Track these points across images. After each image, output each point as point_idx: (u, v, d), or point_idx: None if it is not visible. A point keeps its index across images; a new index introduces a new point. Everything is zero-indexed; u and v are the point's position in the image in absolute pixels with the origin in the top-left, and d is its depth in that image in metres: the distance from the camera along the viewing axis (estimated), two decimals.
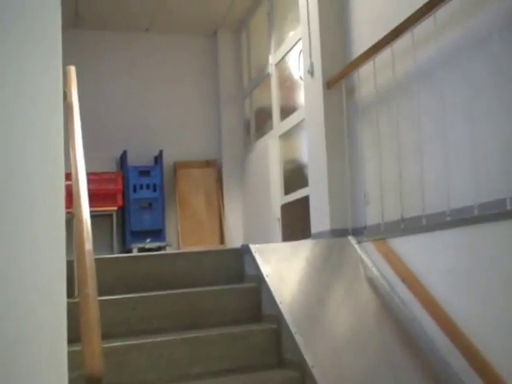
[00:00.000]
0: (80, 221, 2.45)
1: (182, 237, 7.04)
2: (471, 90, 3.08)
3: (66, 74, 3.42)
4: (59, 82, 1.89)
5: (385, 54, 3.77)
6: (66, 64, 2.20)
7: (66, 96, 3.29)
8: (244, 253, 4.00)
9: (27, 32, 1.83)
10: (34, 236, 1.69)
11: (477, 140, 3.06)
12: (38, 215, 1.70)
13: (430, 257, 3.32)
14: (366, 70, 4.02)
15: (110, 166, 7.05)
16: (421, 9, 3.33)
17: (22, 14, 1.82)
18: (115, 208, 6.66)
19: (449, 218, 3.18)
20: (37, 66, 1.83)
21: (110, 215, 6.68)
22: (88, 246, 2.33)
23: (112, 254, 6.40)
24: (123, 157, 7.02)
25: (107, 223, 6.66)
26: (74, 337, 1.85)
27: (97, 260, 2.32)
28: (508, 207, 2.79)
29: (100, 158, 6.85)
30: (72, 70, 3.48)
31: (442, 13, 3.24)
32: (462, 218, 3.08)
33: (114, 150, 7.06)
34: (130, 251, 6.50)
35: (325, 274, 3.77)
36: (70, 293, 1.97)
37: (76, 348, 1.89)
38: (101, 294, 2.25)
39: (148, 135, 7.29)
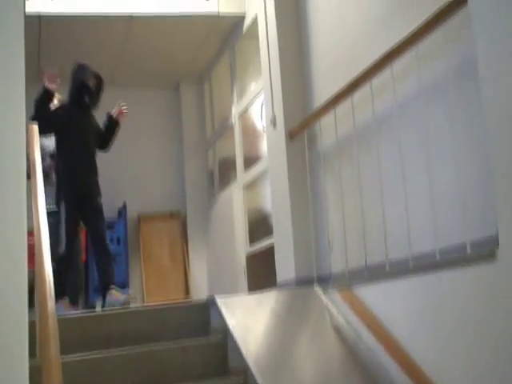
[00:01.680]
0: (42, 280, 2.41)
1: (147, 289, 6.96)
2: (428, 138, 3.16)
3: (27, 131, 3.42)
4: (22, 140, 1.89)
5: (345, 104, 3.85)
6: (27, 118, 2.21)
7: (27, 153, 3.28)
8: (210, 305, 3.96)
9: None
10: None
11: (435, 187, 3.13)
12: None
13: (394, 303, 3.34)
14: (327, 119, 4.10)
15: None
16: (378, 61, 3.43)
17: None
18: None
19: (411, 265, 3.21)
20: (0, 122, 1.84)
21: None
22: (51, 304, 2.29)
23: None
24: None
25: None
26: None
27: (59, 319, 2.28)
28: (468, 252, 2.83)
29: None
30: (34, 127, 3.49)
31: (398, 64, 3.34)
32: (424, 264, 3.12)
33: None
34: (93, 307, 6.37)
35: (291, 324, 3.75)
36: (32, 353, 1.92)
37: None
38: (63, 353, 2.20)
39: (111, 187, 7.23)
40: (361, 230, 3.71)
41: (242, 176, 6.23)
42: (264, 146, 5.44)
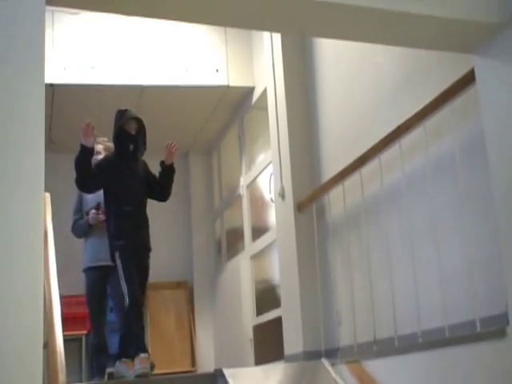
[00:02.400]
0: (54, 352, 2.41)
1: (153, 359, 6.87)
2: (436, 213, 3.20)
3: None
4: (40, 212, 1.93)
5: (353, 178, 3.91)
6: None
7: None
8: (217, 376, 3.92)
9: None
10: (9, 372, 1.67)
11: (443, 262, 3.15)
12: (14, 347, 1.70)
13: (403, 379, 3.31)
14: (335, 192, 4.15)
15: (79, 289, 6.92)
16: (386, 137, 3.51)
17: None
18: (84, 332, 6.50)
19: (420, 340, 3.20)
20: (19, 194, 1.88)
21: (79, 339, 6.52)
22: (62, 378, 2.29)
23: (80, 381, 6.17)
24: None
25: (76, 348, 6.48)
26: None
27: None
28: (478, 329, 2.83)
29: (69, 280, 6.74)
30: (47, 196, 3.53)
31: (406, 140, 3.41)
32: (433, 340, 3.11)
33: (81, 273, 6.98)
34: (111, 377, 6.27)
35: None
36: None
37: None
38: None
39: None
40: (369, 303, 3.70)
41: (250, 246, 6.25)
42: (272, 217, 5.48)
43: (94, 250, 4.86)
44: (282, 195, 4.72)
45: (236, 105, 6.62)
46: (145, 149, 4.44)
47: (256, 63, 6.15)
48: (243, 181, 6.55)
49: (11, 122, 1.93)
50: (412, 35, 2.83)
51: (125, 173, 4.36)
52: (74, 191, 6.95)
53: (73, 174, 6.70)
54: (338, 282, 4.18)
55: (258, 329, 5.86)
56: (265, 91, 5.45)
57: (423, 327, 3.19)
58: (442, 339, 3.03)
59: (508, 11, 2.60)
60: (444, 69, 3.20)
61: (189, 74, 6.10)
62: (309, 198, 4.44)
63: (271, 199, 5.39)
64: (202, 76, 6.14)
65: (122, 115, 4.38)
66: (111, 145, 4.61)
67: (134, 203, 4.35)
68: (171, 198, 4.54)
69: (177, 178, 7.94)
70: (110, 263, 4.38)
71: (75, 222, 4.95)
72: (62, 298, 3.55)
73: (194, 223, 7.51)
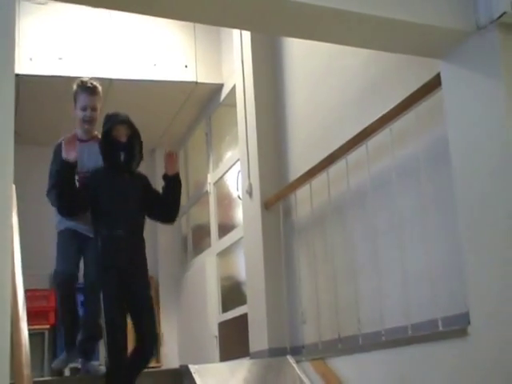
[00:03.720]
0: (19, 345, 2.40)
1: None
2: (400, 216, 3.26)
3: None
4: (10, 205, 1.92)
5: (321, 178, 3.95)
6: None
7: None
8: (183, 373, 3.93)
9: None
10: None
11: (407, 263, 3.21)
12: None
13: (367, 376, 3.37)
14: (302, 192, 4.19)
15: (42, 283, 6.86)
16: (353, 138, 3.56)
17: None
18: (47, 326, 6.45)
19: (384, 338, 3.26)
20: None
21: (42, 333, 6.45)
22: (27, 371, 2.28)
23: (42, 375, 6.12)
24: None
25: (38, 342, 6.41)
26: None
27: None
28: (440, 328, 2.90)
29: (32, 275, 6.65)
30: (12, 188, 3.49)
31: (373, 142, 3.47)
32: (396, 339, 3.17)
33: (46, 267, 6.91)
34: (61, 372, 6.23)
35: None
36: None
37: None
38: None
39: None
40: (334, 302, 3.75)
41: (216, 243, 6.26)
42: (239, 215, 5.50)
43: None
44: (250, 193, 4.74)
45: (204, 101, 6.61)
46: (141, 158, 3.71)
47: (225, 60, 6.15)
48: (210, 178, 6.56)
49: None
50: (380, 38, 2.87)
51: (115, 188, 3.59)
52: (38, 183, 6.91)
53: (38, 167, 6.64)
54: (304, 280, 4.22)
55: (223, 326, 5.88)
56: (233, 88, 5.46)
57: (387, 326, 3.25)
58: (405, 338, 3.10)
59: (474, 20, 2.66)
60: (411, 73, 3.26)
61: (157, 68, 6.07)
62: (276, 196, 4.48)
63: (238, 196, 5.42)
64: (170, 71, 6.12)
65: (108, 119, 3.65)
66: None
67: (127, 225, 3.54)
68: None
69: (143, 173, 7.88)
70: (89, 234, 3.76)
71: (51, 188, 3.94)
72: (24, 291, 3.52)
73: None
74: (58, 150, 3.80)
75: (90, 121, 3.96)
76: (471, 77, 2.75)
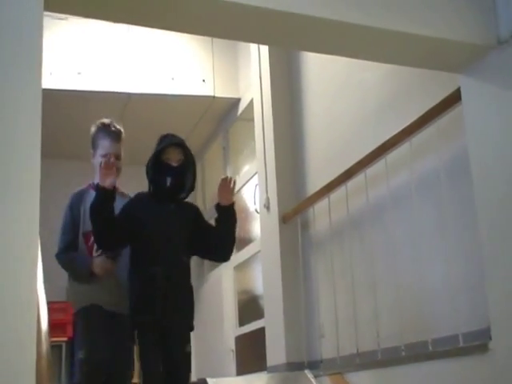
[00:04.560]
0: (41, 357, 2.41)
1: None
2: (419, 229, 3.25)
3: None
4: (37, 218, 1.94)
5: (339, 192, 3.95)
6: None
7: None
8: None
9: None
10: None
11: (427, 277, 3.19)
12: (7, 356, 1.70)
13: None
14: (320, 206, 4.19)
15: (60, 295, 6.88)
16: (372, 152, 3.56)
17: None
18: (65, 339, 6.46)
19: (403, 353, 3.24)
20: (16, 200, 1.90)
21: (59, 346, 6.47)
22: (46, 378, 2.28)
23: None
24: None
25: (55, 355, 6.43)
26: None
27: None
28: (460, 344, 2.87)
29: (50, 287, 6.69)
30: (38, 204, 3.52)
31: (392, 156, 3.46)
32: (416, 354, 3.15)
33: (63, 278, 6.93)
34: None
35: None
36: None
37: None
38: None
39: None
40: (352, 316, 3.74)
41: (234, 257, 6.24)
42: (256, 228, 5.50)
43: (99, 289, 3.23)
44: (267, 207, 4.75)
45: (221, 115, 6.64)
46: (192, 188, 3.21)
47: (242, 75, 6.18)
48: None
49: (11, 128, 1.93)
50: (399, 53, 2.87)
51: (157, 218, 3.09)
52: (59, 198, 6.93)
53: (56, 179, 6.68)
54: (321, 294, 4.21)
55: (240, 339, 5.87)
56: (251, 102, 5.49)
57: (406, 341, 3.23)
58: (425, 353, 3.07)
59: (495, 34, 2.66)
60: (429, 88, 3.27)
61: (175, 83, 6.11)
62: (294, 210, 4.48)
63: (256, 210, 5.42)
64: (188, 86, 6.16)
65: (161, 140, 3.20)
66: None
67: (169, 263, 3.02)
68: None
69: None
70: (117, 310, 3.17)
71: (65, 248, 3.28)
72: None
73: None
74: (75, 201, 3.27)
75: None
76: (491, 91, 2.75)
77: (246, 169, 6.12)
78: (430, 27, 2.65)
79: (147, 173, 3.15)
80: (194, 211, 3.28)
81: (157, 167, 3.11)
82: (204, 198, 7.43)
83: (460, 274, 2.99)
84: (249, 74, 5.50)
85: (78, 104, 6.11)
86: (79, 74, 5.85)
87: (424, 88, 3.34)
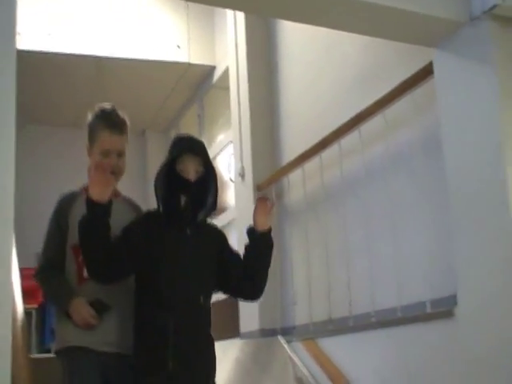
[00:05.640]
0: (14, 319, 2.42)
1: None
2: (393, 201, 3.33)
3: None
4: (11, 187, 1.94)
5: (313, 162, 4.00)
6: None
7: None
8: None
9: None
10: None
11: (399, 247, 3.28)
12: None
13: (357, 356, 3.45)
14: (295, 176, 4.24)
15: (30, 262, 6.81)
16: (347, 123, 3.61)
17: None
18: (35, 305, 6.44)
19: (374, 319, 3.34)
20: None
21: (29, 313, 6.45)
22: (22, 347, 2.30)
23: (29, 354, 6.13)
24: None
25: (26, 322, 6.41)
26: None
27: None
28: (428, 310, 2.98)
29: (19, 253, 6.60)
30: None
31: (366, 127, 3.52)
32: (386, 320, 3.25)
33: (33, 245, 6.83)
34: (49, 351, 6.25)
35: (254, 374, 3.83)
36: None
37: None
38: None
39: None
40: (326, 284, 3.82)
41: None
42: (230, 197, 5.55)
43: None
44: (242, 175, 4.78)
45: (196, 83, 6.61)
46: (214, 207, 2.47)
47: (218, 42, 6.15)
48: None
49: None
50: (376, 25, 2.89)
51: (169, 249, 2.39)
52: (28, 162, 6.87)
53: (21, 145, 6.52)
54: (296, 263, 4.28)
55: (213, 306, 5.92)
56: (226, 71, 5.48)
57: (378, 308, 3.33)
58: (394, 319, 3.18)
59: (468, 10, 2.71)
60: (407, 61, 3.31)
61: (149, 48, 6.00)
62: (268, 179, 4.52)
63: (230, 179, 5.46)
64: (162, 51, 6.06)
65: (176, 144, 2.49)
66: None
67: (185, 310, 2.35)
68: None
69: (133, 154, 7.90)
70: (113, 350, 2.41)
71: (46, 267, 2.53)
72: None
73: (150, 203, 7.39)
74: (62, 206, 2.54)
75: (114, 172, 2.53)
76: (463, 66, 2.80)
77: (221, 137, 6.14)
78: (406, 1, 2.69)
79: (156, 188, 2.45)
80: (218, 237, 2.58)
81: (168, 181, 2.40)
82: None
83: (431, 244, 3.08)
84: (225, 41, 5.48)
85: (48, 67, 5.96)
86: (49, 35, 5.67)
87: (401, 61, 3.38)
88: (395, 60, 3.43)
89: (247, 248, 2.58)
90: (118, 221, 2.36)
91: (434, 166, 3.07)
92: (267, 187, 4.51)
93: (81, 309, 2.34)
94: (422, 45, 2.99)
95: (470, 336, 2.70)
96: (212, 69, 6.28)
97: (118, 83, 6.46)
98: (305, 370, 3.77)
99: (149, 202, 7.46)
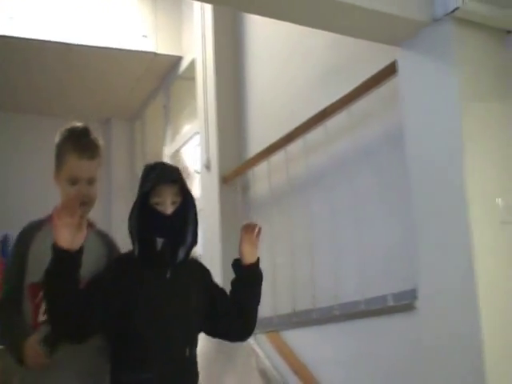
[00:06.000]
0: None
1: None
2: (357, 195, 3.37)
3: None
4: None
5: (279, 156, 4.03)
6: None
7: None
8: None
9: None
10: None
11: (362, 241, 3.33)
12: None
13: (320, 349, 3.51)
14: (260, 169, 4.26)
15: None
16: (312, 118, 3.64)
17: None
18: None
19: (337, 312, 3.39)
20: None
21: None
22: None
23: None
24: (4, 241, 6.75)
25: None
26: None
27: None
28: (390, 303, 3.04)
29: None
30: None
31: (332, 122, 3.56)
32: (349, 313, 3.31)
33: None
34: None
35: (217, 365, 3.84)
36: None
37: None
38: None
39: (32, 217, 7.02)
40: (290, 277, 3.86)
41: None
42: (195, 188, 5.54)
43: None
44: (208, 167, 4.79)
45: (163, 73, 6.56)
46: (195, 242, 2.21)
47: (185, 32, 6.12)
48: (167, 150, 6.56)
49: None
50: (340, 23, 2.92)
51: (147, 298, 2.09)
52: None
53: None
54: (260, 256, 4.28)
55: None
56: (193, 61, 5.47)
57: (341, 301, 3.38)
58: (357, 312, 3.24)
59: (431, 11, 2.76)
60: (373, 58, 3.34)
61: (116, 36, 5.91)
62: (234, 171, 4.54)
63: (196, 170, 5.46)
64: (128, 40, 5.98)
65: (148, 173, 2.15)
66: None
67: (168, 365, 2.06)
68: None
69: None
70: None
71: (4, 302, 2.21)
72: None
73: (114, 193, 7.29)
74: (22, 239, 2.24)
75: (84, 202, 2.20)
76: (426, 65, 2.86)
77: (187, 128, 6.13)
78: (372, 0, 2.72)
79: (129, 227, 2.13)
80: (202, 275, 2.30)
81: (143, 218, 2.09)
82: (144, 155, 7.38)
83: (394, 238, 3.14)
84: (192, 32, 5.46)
85: (10, 53, 5.85)
86: (11, 18, 5.51)
87: (367, 58, 3.41)
88: (361, 57, 3.47)
89: (234, 284, 2.32)
90: (88, 257, 2.04)
91: (397, 161, 3.12)
92: (233, 179, 4.53)
93: (34, 348, 2.01)
94: (386, 43, 3.04)
95: (430, 328, 2.77)
96: (179, 59, 6.25)
97: (84, 71, 6.38)
98: (268, 362, 3.82)
99: (112, 192, 7.31)
